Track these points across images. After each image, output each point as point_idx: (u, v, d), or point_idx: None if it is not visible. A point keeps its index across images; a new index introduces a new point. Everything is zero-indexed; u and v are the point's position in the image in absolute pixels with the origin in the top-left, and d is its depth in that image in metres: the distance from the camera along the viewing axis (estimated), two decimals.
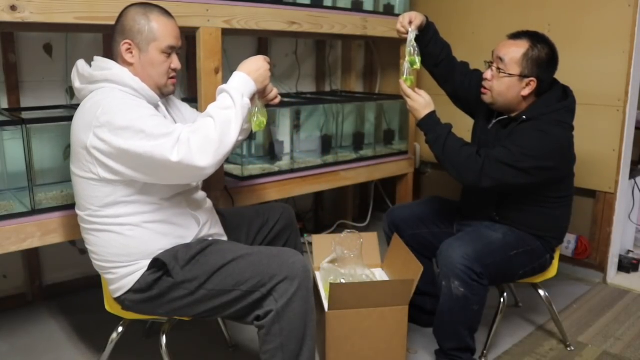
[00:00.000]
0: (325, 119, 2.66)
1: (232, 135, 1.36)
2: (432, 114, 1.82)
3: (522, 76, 1.77)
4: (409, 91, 1.83)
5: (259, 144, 2.53)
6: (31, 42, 2.14)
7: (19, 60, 2.12)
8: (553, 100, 1.81)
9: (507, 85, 1.79)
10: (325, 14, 2.39)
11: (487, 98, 1.86)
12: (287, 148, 2.50)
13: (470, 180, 1.74)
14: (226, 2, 2.03)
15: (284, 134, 2.50)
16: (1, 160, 1.81)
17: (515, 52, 1.77)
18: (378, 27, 2.63)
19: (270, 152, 2.50)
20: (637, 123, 2.62)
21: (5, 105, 2.10)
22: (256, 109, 1.60)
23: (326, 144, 2.63)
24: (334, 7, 2.52)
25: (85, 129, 1.37)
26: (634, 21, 2.34)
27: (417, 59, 1.85)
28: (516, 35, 1.82)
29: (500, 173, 1.71)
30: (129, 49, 1.48)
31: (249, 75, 1.49)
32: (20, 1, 1.57)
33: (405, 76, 1.84)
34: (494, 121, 1.92)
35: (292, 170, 2.42)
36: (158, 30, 1.48)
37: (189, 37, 2.39)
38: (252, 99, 1.63)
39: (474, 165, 1.72)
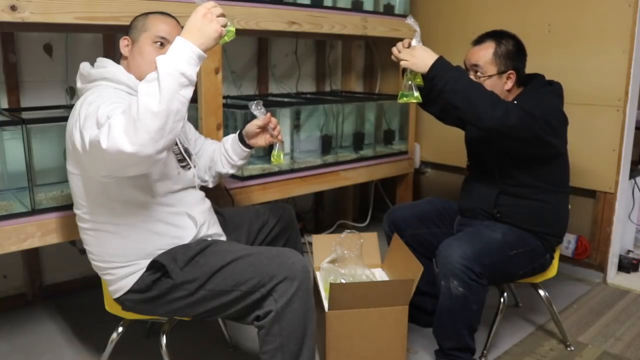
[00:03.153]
0: (325, 119, 2.66)
1: (153, 108, 1.16)
2: (443, 58, 1.75)
3: (500, 72, 1.84)
4: (405, 49, 1.76)
5: None
6: (31, 42, 2.14)
7: (19, 60, 2.12)
8: (538, 87, 1.87)
9: (490, 86, 1.83)
10: (325, 14, 2.39)
11: None
12: (287, 148, 2.50)
13: (498, 115, 1.66)
14: (226, 2, 2.03)
15: (284, 134, 2.49)
16: (1, 160, 1.81)
17: (485, 54, 1.84)
18: (378, 27, 2.63)
19: (270, 152, 2.49)
20: (637, 123, 2.61)
21: (5, 105, 2.10)
22: (276, 148, 1.70)
23: (326, 144, 2.63)
24: (334, 7, 2.52)
25: (74, 124, 1.37)
26: (634, 21, 2.34)
27: (416, 93, 1.82)
28: (479, 40, 1.88)
29: (521, 112, 1.68)
30: (127, 44, 1.52)
31: (188, 38, 1.24)
32: (20, 1, 1.57)
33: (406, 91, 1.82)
34: None
35: (292, 170, 2.42)
36: (150, 23, 1.50)
37: None
38: (254, 135, 1.72)
39: (500, 100, 1.71)
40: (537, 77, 1.92)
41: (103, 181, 1.40)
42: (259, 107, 1.69)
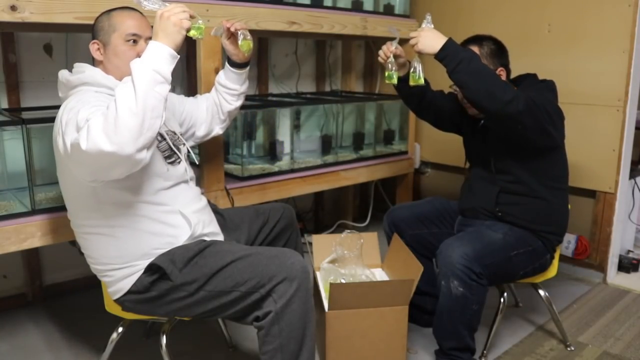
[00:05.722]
0: (325, 119, 2.66)
1: (130, 106, 1.20)
2: (453, 40, 1.75)
3: None
4: (415, 33, 1.77)
5: (259, 144, 2.53)
6: (31, 42, 2.14)
7: (19, 60, 2.12)
8: (529, 84, 1.88)
9: None
10: (325, 14, 2.39)
11: (473, 110, 1.92)
12: (287, 148, 2.50)
13: (509, 98, 1.65)
14: (226, 2, 2.03)
15: (284, 134, 2.51)
16: (1, 160, 1.81)
17: None
18: (378, 27, 2.63)
19: (270, 152, 2.50)
20: (637, 123, 2.62)
21: (5, 105, 2.10)
22: (240, 39, 1.65)
23: (326, 144, 2.63)
24: (334, 7, 2.52)
25: (57, 131, 1.37)
26: (634, 21, 2.34)
27: (395, 74, 1.91)
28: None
29: (527, 98, 1.69)
30: (98, 48, 1.50)
31: (158, 40, 1.32)
32: (20, 1, 1.57)
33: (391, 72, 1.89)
34: (482, 122, 1.97)
35: (292, 170, 2.42)
36: (117, 22, 1.48)
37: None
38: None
39: (510, 85, 1.72)
40: (530, 76, 1.94)
41: (91, 186, 1.40)
42: (217, 29, 1.70)
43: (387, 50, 1.89)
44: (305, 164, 2.51)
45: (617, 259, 2.67)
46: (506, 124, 1.76)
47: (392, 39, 1.89)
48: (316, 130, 2.65)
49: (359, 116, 2.87)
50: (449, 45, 1.71)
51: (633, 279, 2.64)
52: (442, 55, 1.71)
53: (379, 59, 1.93)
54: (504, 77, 1.88)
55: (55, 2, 1.63)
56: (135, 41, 1.48)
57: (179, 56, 1.34)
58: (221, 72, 1.82)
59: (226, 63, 1.80)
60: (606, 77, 2.44)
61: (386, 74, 1.91)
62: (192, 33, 1.42)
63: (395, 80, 1.92)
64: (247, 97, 2.60)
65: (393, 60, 1.90)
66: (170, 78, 1.31)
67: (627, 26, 2.36)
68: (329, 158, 2.62)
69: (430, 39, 1.74)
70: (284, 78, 3.00)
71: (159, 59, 1.28)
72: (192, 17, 1.39)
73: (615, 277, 2.64)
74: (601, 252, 2.60)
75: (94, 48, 1.50)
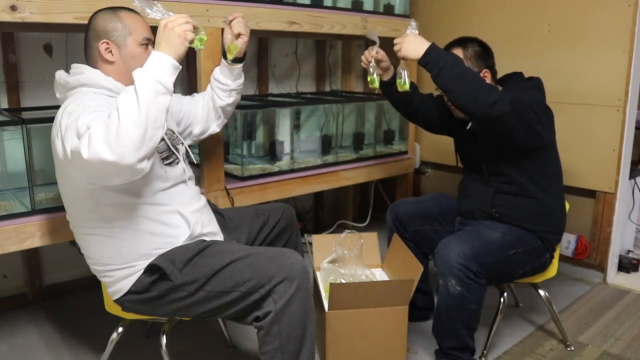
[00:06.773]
0: (325, 119, 2.66)
1: (133, 116, 1.21)
2: (436, 44, 1.75)
3: None
4: (399, 39, 1.78)
5: (259, 144, 2.53)
6: (31, 42, 2.14)
7: (19, 60, 2.12)
8: (514, 83, 1.89)
9: None
10: (325, 14, 2.39)
11: (459, 113, 1.93)
12: (287, 148, 2.50)
13: (494, 100, 1.65)
14: (226, 2, 2.03)
15: (284, 134, 2.51)
16: (1, 160, 1.81)
17: None
18: (378, 27, 2.63)
19: (270, 152, 2.50)
20: (637, 123, 2.62)
21: (5, 105, 2.10)
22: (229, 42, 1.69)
23: (326, 144, 2.64)
24: (334, 7, 2.52)
25: (56, 134, 1.36)
26: (634, 21, 2.34)
27: (377, 78, 1.97)
28: (447, 50, 1.91)
29: (512, 99, 1.69)
30: (108, 48, 1.48)
31: (161, 50, 1.32)
32: (20, 1, 1.57)
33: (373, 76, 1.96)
34: (470, 124, 1.97)
35: (292, 170, 2.42)
36: (131, 25, 1.48)
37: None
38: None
39: (495, 87, 1.73)
40: (515, 75, 1.94)
41: (89, 188, 1.40)
42: (224, 18, 1.73)
43: (369, 55, 1.93)
44: (305, 164, 2.51)
45: (617, 259, 2.67)
46: (493, 126, 1.76)
47: (383, 40, 1.90)
48: (316, 130, 2.65)
49: (358, 116, 2.87)
50: (431, 50, 1.72)
51: (633, 279, 2.64)
52: (425, 61, 1.72)
53: (362, 63, 1.96)
54: (489, 79, 1.87)
55: (55, 2, 1.64)
56: (147, 45, 1.50)
57: (180, 67, 1.34)
58: (217, 67, 1.83)
59: (222, 57, 1.80)
60: (606, 77, 2.44)
61: (369, 78, 1.95)
62: (194, 44, 1.41)
63: (377, 84, 1.97)
64: (247, 97, 2.61)
65: (375, 64, 1.93)
66: (172, 89, 1.31)
67: (627, 26, 2.36)
68: (329, 158, 2.62)
69: (413, 45, 1.75)
70: (284, 78, 3.00)
71: (161, 69, 1.28)
72: (195, 27, 1.38)
73: (615, 277, 2.64)
74: (601, 252, 2.60)
75: (103, 48, 1.48)
